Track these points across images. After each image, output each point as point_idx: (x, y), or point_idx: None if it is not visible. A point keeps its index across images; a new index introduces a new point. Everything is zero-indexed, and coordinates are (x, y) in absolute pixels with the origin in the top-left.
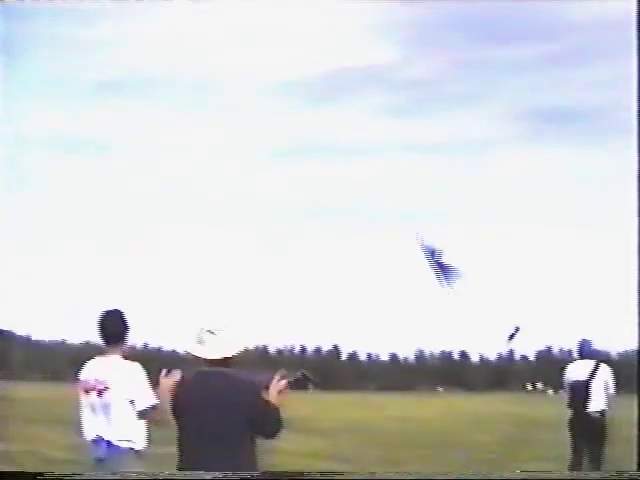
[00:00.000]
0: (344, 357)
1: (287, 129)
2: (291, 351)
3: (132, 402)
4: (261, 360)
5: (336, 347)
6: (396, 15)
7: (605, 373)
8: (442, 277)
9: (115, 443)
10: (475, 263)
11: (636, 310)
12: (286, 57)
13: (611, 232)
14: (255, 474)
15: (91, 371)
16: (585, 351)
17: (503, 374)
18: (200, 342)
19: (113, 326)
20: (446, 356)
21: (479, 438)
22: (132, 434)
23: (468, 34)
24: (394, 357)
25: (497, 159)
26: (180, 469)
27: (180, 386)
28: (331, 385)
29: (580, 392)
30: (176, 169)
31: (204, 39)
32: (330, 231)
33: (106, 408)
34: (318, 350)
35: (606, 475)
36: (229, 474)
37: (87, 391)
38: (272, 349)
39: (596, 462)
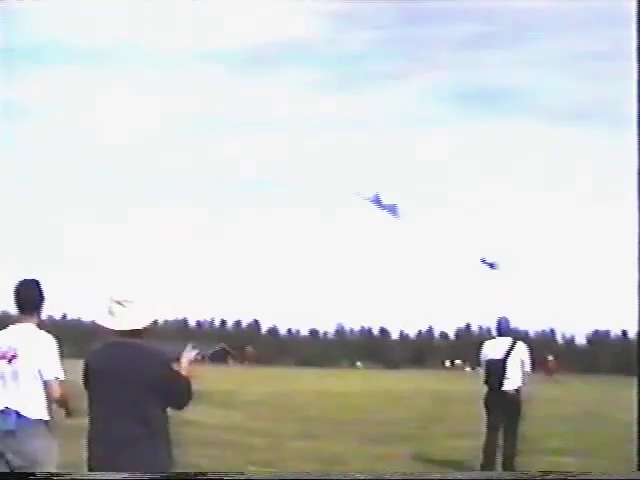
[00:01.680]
0: (264, 331)
1: (212, 101)
2: (211, 324)
3: (39, 372)
4: (180, 333)
5: (256, 321)
6: None
7: (521, 351)
8: (392, 214)
9: (24, 414)
10: (398, 244)
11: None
12: (212, 29)
13: (539, 209)
14: (165, 474)
15: (3, 338)
16: (503, 329)
17: (422, 351)
18: (110, 313)
19: (29, 295)
20: (366, 332)
21: (396, 414)
22: (42, 405)
23: (396, 11)
24: (314, 332)
25: (423, 137)
26: (90, 440)
27: (90, 357)
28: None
29: (496, 369)
30: (100, 139)
31: (130, 10)
32: (250, 205)
33: (15, 377)
34: (238, 323)
35: (613, 476)
36: (138, 475)
37: None
38: (192, 322)
39: (511, 439)
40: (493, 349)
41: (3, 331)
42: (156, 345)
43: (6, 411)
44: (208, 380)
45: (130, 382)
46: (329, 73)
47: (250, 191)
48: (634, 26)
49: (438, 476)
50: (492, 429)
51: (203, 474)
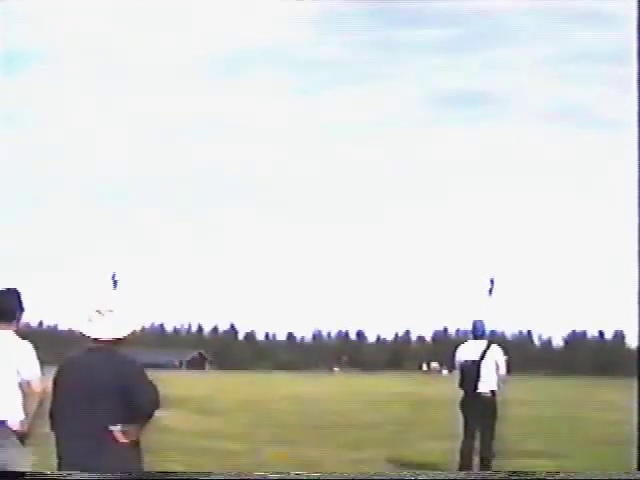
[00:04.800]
0: (241, 336)
1: (193, 108)
2: (188, 331)
3: (18, 373)
4: (158, 339)
5: (233, 326)
6: None
7: (496, 353)
8: None
9: (1, 418)
10: (377, 246)
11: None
12: (194, 35)
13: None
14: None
15: None
16: (478, 331)
17: (399, 354)
18: (90, 321)
19: (8, 304)
20: (343, 336)
21: (372, 418)
22: (18, 410)
23: (376, 14)
24: (291, 336)
25: (404, 141)
26: (60, 448)
27: (63, 363)
28: (228, 364)
29: (471, 372)
30: (79, 149)
31: (108, 18)
32: (226, 210)
33: None
34: (215, 329)
35: (613, 476)
36: (130, 475)
37: None
38: (169, 328)
39: (487, 441)
40: (468, 352)
41: None
42: (131, 352)
43: None
44: (184, 386)
45: (100, 389)
46: (311, 78)
47: (228, 196)
48: (628, 27)
49: (441, 476)
50: (468, 431)
51: (196, 473)
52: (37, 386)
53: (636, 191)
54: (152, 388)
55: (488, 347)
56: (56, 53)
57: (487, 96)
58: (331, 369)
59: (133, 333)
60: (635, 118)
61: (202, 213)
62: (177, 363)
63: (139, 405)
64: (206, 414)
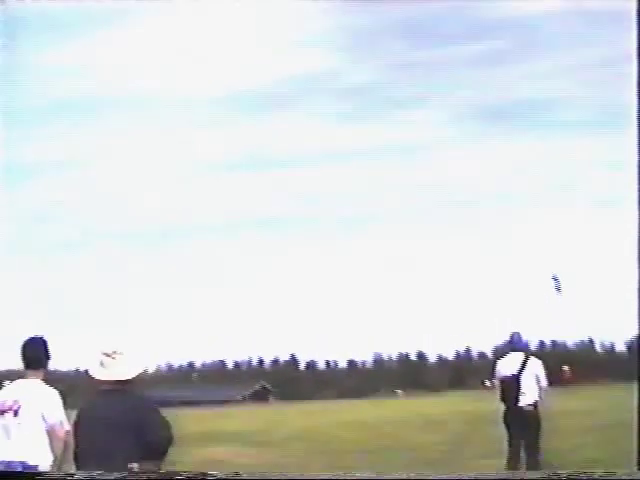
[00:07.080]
0: (302, 366)
1: (233, 141)
2: (249, 364)
3: (44, 419)
4: (219, 374)
5: (294, 357)
6: (334, 21)
7: (535, 366)
8: None
9: (30, 463)
10: (430, 266)
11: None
12: (226, 68)
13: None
14: (164, 474)
15: (9, 393)
16: (515, 344)
17: (461, 372)
18: (101, 365)
19: (35, 353)
20: (404, 358)
21: (428, 438)
22: (47, 454)
23: (408, 36)
24: (352, 363)
25: (446, 160)
26: None
27: (82, 406)
28: (291, 395)
29: (511, 386)
30: (124, 185)
31: (148, 52)
32: (278, 242)
33: (21, 428)
34: (276, 361)
35: (613, 476)
36: (138, 475)
37: (2, 412)
38: (230, 363)
39: (532, 454)
40: (506, 366)
41: (9, 386)
42: (194, 390)
43: (12, 464)
44: (243, 420)
45: (116, 429)
46: (349, 104)
47: (276, 228)
48: (634, 26)
49: (438, 476)
50: (513, 445)
51: (203, 474)
52: (60, 431)
53: None
54: (165, 425)
55: (526, 360)
56: (86, 98)
57: (526, 108)
58: (393, 392)
59: (143, 373)
60: None
61: (254, 247)
62: (240, 397)
63: (152, 442)
64: (262, 446)
